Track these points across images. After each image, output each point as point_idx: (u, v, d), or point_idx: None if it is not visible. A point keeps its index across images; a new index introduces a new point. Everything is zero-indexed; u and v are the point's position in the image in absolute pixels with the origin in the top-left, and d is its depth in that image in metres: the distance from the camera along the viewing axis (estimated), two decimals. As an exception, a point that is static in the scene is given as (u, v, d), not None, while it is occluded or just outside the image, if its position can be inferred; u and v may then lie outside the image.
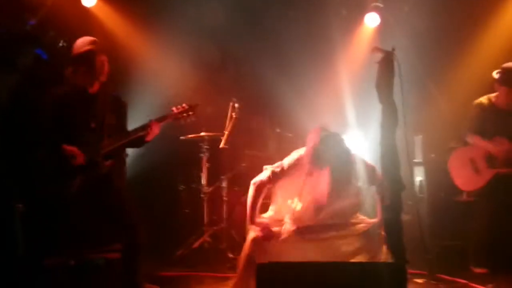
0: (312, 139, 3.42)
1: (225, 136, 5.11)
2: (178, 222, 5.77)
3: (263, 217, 3.54)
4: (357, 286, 2.34)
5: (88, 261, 4.61)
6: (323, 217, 3.42)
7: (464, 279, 4.07)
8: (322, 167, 3.36)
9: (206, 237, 5.18)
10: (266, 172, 3.48)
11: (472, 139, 4.40)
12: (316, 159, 3.34)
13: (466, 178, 4.43)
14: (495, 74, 4.36)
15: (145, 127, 3.63)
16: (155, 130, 3.66)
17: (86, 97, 3.59)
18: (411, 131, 5.17)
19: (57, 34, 5.40)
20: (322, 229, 3.38)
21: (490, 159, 4.31)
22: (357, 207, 3.55)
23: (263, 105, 6.13)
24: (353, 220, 3.50)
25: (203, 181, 5.35)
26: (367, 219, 3.55)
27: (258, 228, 3.34)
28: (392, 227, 2.78)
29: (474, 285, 3.95)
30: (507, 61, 4.38)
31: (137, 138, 3.66)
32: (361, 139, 5.36)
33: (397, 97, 2.96)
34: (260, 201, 3.48)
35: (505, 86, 4.29)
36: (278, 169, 3.45)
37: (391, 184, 2.81)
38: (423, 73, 5.51)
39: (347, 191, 3.46)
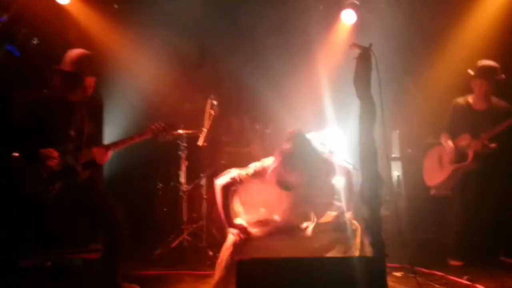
0: (283, 144, 3.44)
1: (203, 134, 5.08)
2: (157, 221, 5.72)
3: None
4: (337, 280, 2.35)
5: (65, 262, 4.55)
6: (294, 218, 3.47)
7: (441, 272, 4.14)
8: (292, 171, 3.37)
9: (185, 236, 5.15)
10: (231, 174, 3.47)
11: (442, 138, 4.64)
12: (287, 163, 3.35)
13: (430, 173, 4.74)
14: (470, 71, 4.47)
15: (123, 142, 3.70)
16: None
17: (67, 105, 3.60)
18: (388, 127, 5.23)
19: (30, 32, 5.29)
20: (293, 229, 3.44)
21: (452, 156, 4.51)
22: (329, 207, 3.60)
23: (241, 102, 6.12)
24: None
25: (182, 179, 5.31)
26: (330, 212, 3.61)
27: (236, 231, 3.34)
28: (371, 222, 2.80)
29: (450, 277, 4.02)
30: (483, 57, 4.48)
31: None
32: (340, 135, 5.38)
33: (374, 93, 2.98)
34: (232, 201, 3.49)
35: (479, 80, 4.41)
36: (243, 173, 3.45)
37: (370, 178, 2.83)
38: (400, 69, 5.57)
39: (319, 192, 3.52)
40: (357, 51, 2.96)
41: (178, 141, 5.33)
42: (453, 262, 4.43)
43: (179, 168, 5.36)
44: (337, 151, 4.96)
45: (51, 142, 3.48)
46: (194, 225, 5.24)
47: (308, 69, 5.90)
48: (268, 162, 3.51)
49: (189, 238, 5.16)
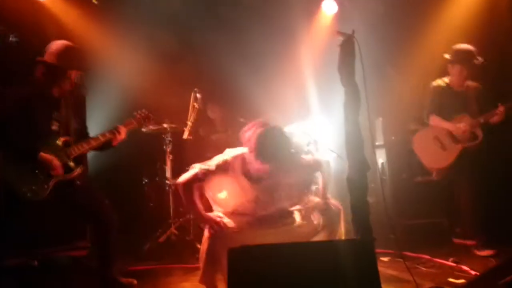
0: (252, 135, 3.37)
1: (188, 127, 5.07)
2: (144, 216, 5.71)
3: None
4: (328, 263, 2.38)
5: (52, 260, 4.50)
6: (273, 209, 3.50)
7: (428, 255, 4.22)
8: (268, 161, 3.34)
9: (173, 230, 5.13)
10: (193, 170, 3.43)
11: (433, 120, 4.58)
12: (263, 154, 3.30)
13: (434, 156, 4.56)
14: (447, 56, 4.53)
15: (112, 132, 3.72)
16: (122, 135, 3.79)
17: (50, 100, 3.59)
18: (372, 114, 5.25)
19: (7, 29, 5.20)
20: (274, 218, 3.46)
21: (453, 136, 4.49)
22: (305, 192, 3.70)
23: (225, 94, 6.10)
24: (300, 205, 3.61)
25: (168, 173, 5.29)
26: (312, 199, 3.69)
27: (208, 225, 3.32)
28: (359, 207, 2.83)
29: (437, 260, 4.12)
30: (460, 42, 4.54)
31: (104, 143, 3.73)
32: (325, 124, 5.42)
33: (359, 80, 3.00)
34: (196, 196, 3.41)
35: (458, 64, 4.47)
36: (205, 168, 3.40)
37: (356, 164, 2.86)
38: (381, 57, 5.60)
39: (294, 179, 3.55)
40: (340, 39, 2.98)
41: (163, 136, 5.30)
42: (468, 242, 4.45)
43: (164, 163, 5.34)
44: (321, 141, 5.01)
45: (36, 137, 3.44)
46: (181, 219, 5.23)
47: (292, 60, 5.91)
48: (232, 153, 3.47)
49: (176, 232, 5.15)
